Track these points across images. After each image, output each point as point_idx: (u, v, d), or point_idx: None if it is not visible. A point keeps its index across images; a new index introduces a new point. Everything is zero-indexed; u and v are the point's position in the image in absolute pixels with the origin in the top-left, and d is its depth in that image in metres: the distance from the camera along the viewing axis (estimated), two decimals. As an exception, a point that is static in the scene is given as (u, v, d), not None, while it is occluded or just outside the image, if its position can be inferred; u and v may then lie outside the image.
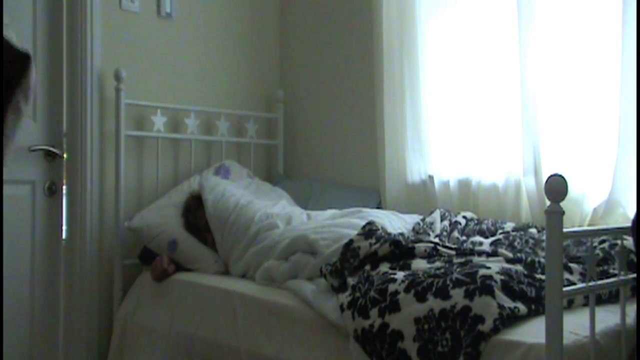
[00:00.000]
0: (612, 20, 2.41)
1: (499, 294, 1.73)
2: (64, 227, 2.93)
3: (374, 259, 2.09)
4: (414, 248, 2.09)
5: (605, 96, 2.47)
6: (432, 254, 2.07)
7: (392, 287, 1.87)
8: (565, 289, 1.53)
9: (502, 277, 1.77)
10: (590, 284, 1.64)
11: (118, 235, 2.92)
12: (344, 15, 3.41)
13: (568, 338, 1.53)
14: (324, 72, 3.51)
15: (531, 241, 2.28)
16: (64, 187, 2.92)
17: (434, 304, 1.74)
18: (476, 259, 1.97)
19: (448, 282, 1.78)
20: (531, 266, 1.93)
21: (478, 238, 2.41)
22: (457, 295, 1.73)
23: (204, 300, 2.50)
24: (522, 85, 2.61)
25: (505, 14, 2.71)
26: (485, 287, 1.72)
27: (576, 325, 1.62)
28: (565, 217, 1.50)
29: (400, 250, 2.09)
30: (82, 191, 2.88)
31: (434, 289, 1.78)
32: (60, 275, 2.91)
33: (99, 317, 2.93)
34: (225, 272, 2.73)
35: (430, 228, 2.55)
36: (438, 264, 1.98)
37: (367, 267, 2.06)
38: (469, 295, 1.71)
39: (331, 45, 3.47)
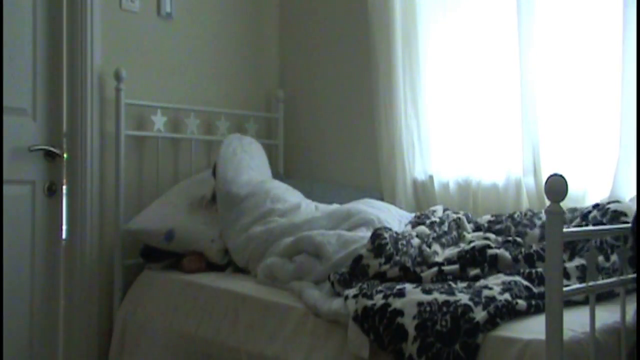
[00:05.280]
0: (612, 20, 2.41)
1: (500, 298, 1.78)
2: (64, 227, 2.93)
3: (383, 279, 2.12)
4: (421, 273, 2.12)
5: (606, 96, 2.46)
6: (438, 280, 2.09)
7: (400, 286, 1.93)
8: (565, 289, 1.53)
9: (505, 297, 1.79)
10: (590, 284, 1.64)
11: (118, 235, 2.92)
12: (344, 15, 3.41)
13: (565, 334, 1.53)
14: (324, 72, 3.51)
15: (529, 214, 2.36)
16: (64, 187, 2.92)
17: (439, 297, 1.79)
18: (478, 284, 1.97)
19: (455, 290, 1.84)
20: (529, 278, 1.96)
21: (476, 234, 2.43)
22: (463, 297, 1.77)
23: (205, 300, 2.50)
24: (522, 85, 2.61)
25: (505, 16, 2.71)
26: (488, 302, 1.76)
27: (573, 323, 1.63)
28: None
29: (407, 276, 2.11)
30: (82, 191, 2.88)
31: (441, 290, 1.86)
32: (60, 275, 2.91)
33: (99, 317, 2.93)
34: (224, 249, 2.76)
35: (433, 214, 2.58)
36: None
37: (376, 282, 2.09)
38: (473, 300, 1.75)
39: (331, 46, 3.47)
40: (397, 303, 1.82)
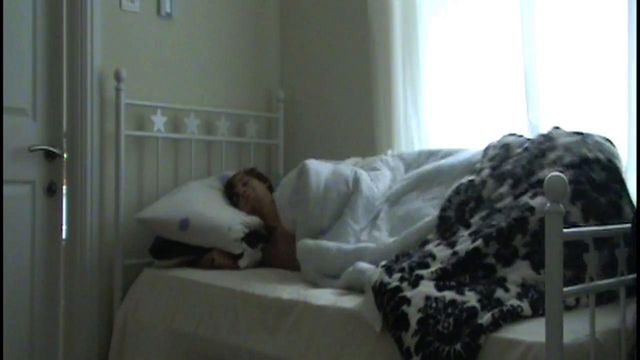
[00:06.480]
0: (617, 10, 2.36)
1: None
2: (64, 227, 2.93)
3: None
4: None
5: (612, 88, 2.40)
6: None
7: (420, 271, 1.93)
8: (565, 289, 1.53)
9: (511, 302, 1.78)
10: (590, 284, 1.64)
11: (118, 235, 2.92)
12: (344, 15, 3.41)
13: (567, 337, 1.53)
14: (324, 72, 3.51)
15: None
16: (64, 187, 2.93)
17: (448, 294, 1.79)
18: (497, 275, 1.91)
19: (464, 289, 1.82)
20: None
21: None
22: (472, 298, 1.77)
23: (205, 299, 2.50)
24: (526, 82, 2.57)
25: (507, 9, 2.68)
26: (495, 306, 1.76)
27: (575, 325, 1.63)
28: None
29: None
30: (82, 191, 2.88)
31: (452, 286, 1.85)
32: (60, 275, 2.91)
33: (99, 317, 2.93)
34: (243, 238, 2.78)
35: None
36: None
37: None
38: (481, 302, 1.75)
39: (331, 45, 3.47)
40: (407, 291, 1.83)
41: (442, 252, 2.03)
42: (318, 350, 2.05)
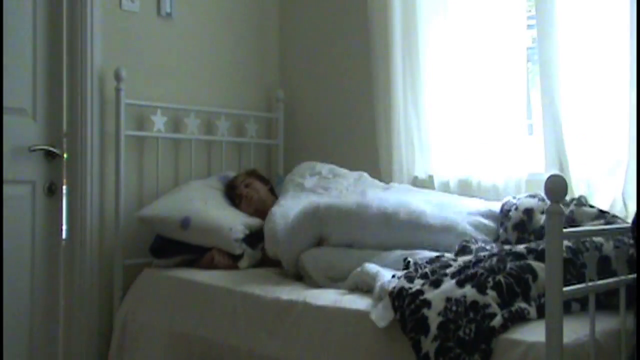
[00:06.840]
0: (621, 12, 2.36)
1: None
2: (64, 227, 2.93)
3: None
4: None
5: (613, 88, 2.40)
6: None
7: (447, 270, 1.92)
8: (565, 289, 1.53)
9: (519, 304, 1.77)
10: (590, 284, 1.64)
11: (118, 235, 2.92)
12: (344, 15, 3.41)
13: (568, 337, 1.53)
14: (324, 72, 3.51)
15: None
16: (64, 187, 2.93)
17: (469, 293, 1.76)
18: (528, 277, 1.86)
19: (487, 286, 1.78)
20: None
21: None
22: (492, 302, 1.74)
23: (204, 299, 2.50)
24: (541, 79, 2.56)
25: (511, 8, 2.69)
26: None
27: (576, 326, 1.63)
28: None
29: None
30: (82, 191, 2.88)
31: (474, 283, 1.80)
32: (60, 275, 2.91)
33: (99, 317, 2.93)
34: (244, 238, 2.77)
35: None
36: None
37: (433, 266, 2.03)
38: (500, 306, 1.74)
39: (331, 45, 3.47)
40: (428, 293, 1.81)
41: (463, 258, 2.03)
42: (317, 350, 2.05)
